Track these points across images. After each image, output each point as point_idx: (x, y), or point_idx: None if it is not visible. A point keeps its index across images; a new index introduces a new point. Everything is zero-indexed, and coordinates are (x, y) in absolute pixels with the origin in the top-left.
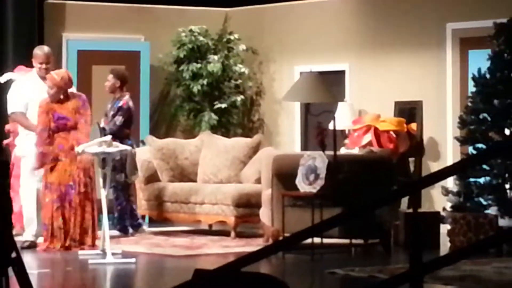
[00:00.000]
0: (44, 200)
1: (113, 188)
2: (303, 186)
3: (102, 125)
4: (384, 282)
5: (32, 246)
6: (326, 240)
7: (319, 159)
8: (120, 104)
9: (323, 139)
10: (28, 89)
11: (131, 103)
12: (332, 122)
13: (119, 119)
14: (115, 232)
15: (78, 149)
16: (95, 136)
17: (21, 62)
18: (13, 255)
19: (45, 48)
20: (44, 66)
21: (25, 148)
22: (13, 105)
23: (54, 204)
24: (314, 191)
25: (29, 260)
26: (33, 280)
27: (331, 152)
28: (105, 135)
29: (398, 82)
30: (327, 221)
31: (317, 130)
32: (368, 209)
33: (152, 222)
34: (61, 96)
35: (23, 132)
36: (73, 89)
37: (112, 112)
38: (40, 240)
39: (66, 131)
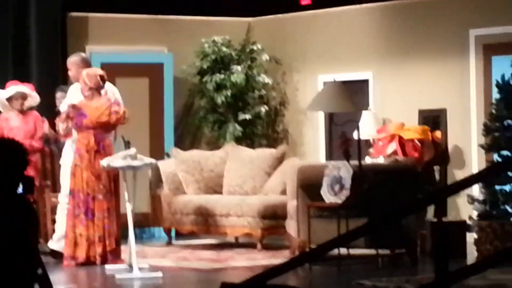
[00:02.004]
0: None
1: None
2: (328, 196)
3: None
4: None
5: (55, 254)
6: (352, 251)
7: (344, 169)
8: None
9: (347, 148)
10: (70, 95)
11: None
12: (356, 131)
13: None
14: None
15: (103, 163)
16: (119, 150)
17: (45, 75)
18: (39, 271)
19: (72, 56)
20: (68, 72)
21: (63, 157)
22: (62, 107)
23: (75, 211)
24: (340, 201)
25: (55, 275)
26: None
27: (356, 162)
28: (129, 148)
29: (421, 90)
30: (353, 231)
31: (341, 140)
32: (394, 219)
33: (179, 235)
34: (87, 93)
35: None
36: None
37: None
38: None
39: (84, 130)
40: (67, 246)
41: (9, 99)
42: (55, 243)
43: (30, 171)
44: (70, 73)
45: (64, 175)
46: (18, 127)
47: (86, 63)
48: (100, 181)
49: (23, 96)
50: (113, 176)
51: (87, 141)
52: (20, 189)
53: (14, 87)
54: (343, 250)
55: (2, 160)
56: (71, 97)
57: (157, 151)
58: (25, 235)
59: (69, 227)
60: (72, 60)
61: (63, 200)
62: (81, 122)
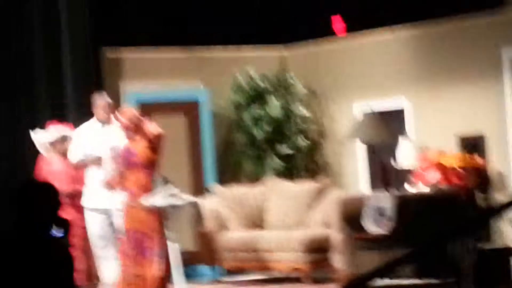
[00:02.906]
0: (122, 246)
1: None
2: (371, 227)
3: None
4: None
5: None
6: (400, 282)
7: (385, 200)
8: None
9: (387, 178)
10: (88, 138)
11: None
12: (395, 160)
13: None
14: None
15: (144, 202)
16: (157, 187)
17: (80, 113)
18: None
19: (106, 96)
20: (101, 112)
21: (91, 200)
22: (73, 155)
23: (131, 251)
24: (383, 231)
25: None
26: None
27: (398, 191)
28: (167, 184)
29: (458, 115)
30: (396, 260)
31: (380, 170)
32: (436, 245)
33: (226, 272)
34: (134, 134)
35: (91, 183)
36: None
37: None
38: None
39: (134, 168)
40: (119, 285)
41: (51, 143)
42: None
43: (73, 213)
44: (105, 113)
45: (89, 219)
46: (61, 171)
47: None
48: (153, 219)
49: (64, 139)
50: (160, 215)
51: (139, 179)
52: (60, 233)
53: (54, 130)
54: (391, 282)
55: (33, 202)
56: (108, 139)
57: (198, 187)
58: (60, 276)
59: (124, 267)
60: (110, 102)
61: (100, 248)
62: (132, 161)
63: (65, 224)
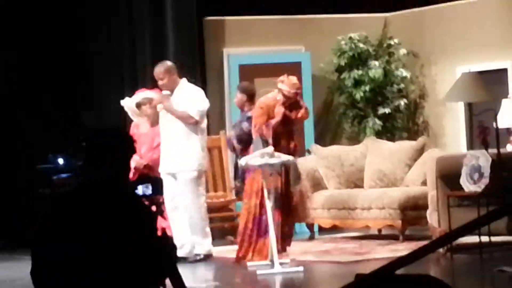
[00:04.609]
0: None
1: None
2: (467, 185)
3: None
4: None
5: (208, 257)
6: (494, 239)
7: (483, 158)
8: (249, 114)
9: (485, 137)
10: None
11: None
12: (495, 120)
13: (245, 125)
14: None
15: (241, 161)
16: (257, 148)
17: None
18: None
19: (161, 66)
20: (160, 82)
21: (179, 163)
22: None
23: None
24: (479, 190)
25: (198, 272)
26: None
27: (495, 151)
28: (267, 146)
29: None
30: (487, 214)
31: (479, 129)
32: None
33: (321, 230)
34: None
35: (163, 149)
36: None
37: (239, 120)
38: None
39: (289, 133)
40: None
41: (139, 106)
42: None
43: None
44: (162, 82)
45: (188, 181)
46: (147, 133)
47: (176, 71)
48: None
49: (151, 102)
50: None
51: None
52: (149, 191)
53: (141, 94)
54: (485, 238)
55: (106, 147)
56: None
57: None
58: (142, 231)
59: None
60: (165, 69)
61: (170, 210)
62: (291, 127)
63: (159, 183)
